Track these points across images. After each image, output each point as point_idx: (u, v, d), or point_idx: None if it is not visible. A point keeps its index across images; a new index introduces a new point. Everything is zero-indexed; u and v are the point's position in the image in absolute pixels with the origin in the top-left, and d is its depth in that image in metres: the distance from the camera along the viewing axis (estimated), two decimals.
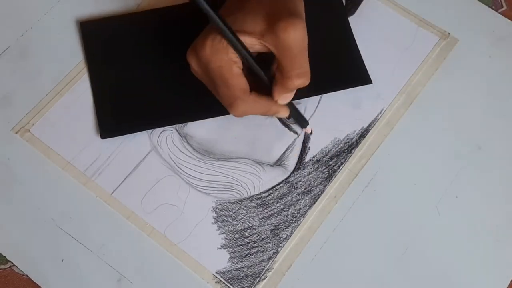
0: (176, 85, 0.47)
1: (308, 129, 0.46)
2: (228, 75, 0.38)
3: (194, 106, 0.46)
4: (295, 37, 0.36)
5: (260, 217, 0.44)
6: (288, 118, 0.45)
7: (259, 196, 0.45)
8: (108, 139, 0.46)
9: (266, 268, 0.43)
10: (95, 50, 0.49)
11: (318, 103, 0.47)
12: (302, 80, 0.38)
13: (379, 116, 0.47)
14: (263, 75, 0.40)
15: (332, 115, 0.47)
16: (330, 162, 0.45)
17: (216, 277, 0.43)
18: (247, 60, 0.38)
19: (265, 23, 0.37)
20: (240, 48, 0.37)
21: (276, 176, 0.45)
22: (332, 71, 0.47)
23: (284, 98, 0.40)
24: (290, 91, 0.40)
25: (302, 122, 0.45)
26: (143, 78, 0.47)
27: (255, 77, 0.40)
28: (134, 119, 0.46)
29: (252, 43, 0.38)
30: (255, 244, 0.43)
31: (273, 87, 0.40)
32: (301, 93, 0.42)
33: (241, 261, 0.43)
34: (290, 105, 0.43)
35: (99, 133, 0.46)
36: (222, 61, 0.38)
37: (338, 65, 0.48)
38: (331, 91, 0.47)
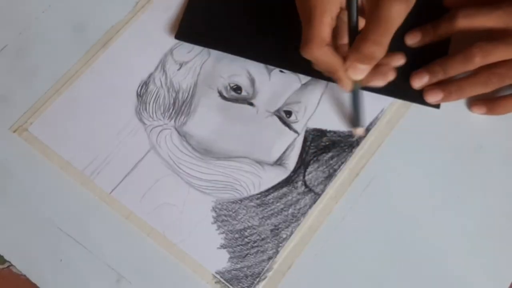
0: (267, 24, 0.48)
1: (360, 130, 0.45)
2: (318, 18, 0.39)
3: (277, 50, 0.47)
4: (393, 12, 0.38)
5: (260, 216, 0.44)
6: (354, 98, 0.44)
7: (259, 195, 0.44)
8: (107, 136, 0.46)
9: (266, 268, 0.43)
10: None
11: (318, 103, 0.47)
12: (377, 48, 0.39)
13: (380, 115, 0.47)
14: (354, 24, 0.40)
15: (333, 114, 0.47)
16: (331, 162, 0.45)
17: (216, 277, 0.42)
18: (351, 11, 0.39)
19: None
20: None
21: (276, 175, 0.45)
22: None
23: (355, 68, 0.40)
24: (362, 58, 0.40)
25: (356, 120, 0.45)
26: (242, 5, 0.49)
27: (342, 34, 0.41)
28: (215, 36, 0.48)
29: None
30: (255, 244, 0.43)
31: (348, 52, 0.40)
32: (376, 89, 0.44)
33: (241, 261, 0.43)
34: (357, 95, 0.43)
35: (167, 44, 0.48)
36: (320, 1, 0.39)
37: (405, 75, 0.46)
38: (402, 99, 0.46)
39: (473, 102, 0.46)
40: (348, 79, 0.42)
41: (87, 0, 0.51)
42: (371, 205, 0.44)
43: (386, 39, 0.39)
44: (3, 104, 0.48)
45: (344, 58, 0.40)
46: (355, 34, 0.40)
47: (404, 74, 0.45)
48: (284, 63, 0.47)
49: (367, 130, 0.46)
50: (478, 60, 0.43)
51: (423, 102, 0.46)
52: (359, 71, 0.40)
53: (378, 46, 0.39)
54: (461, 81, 0.45)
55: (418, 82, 0.45)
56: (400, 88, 0.46)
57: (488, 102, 0.46)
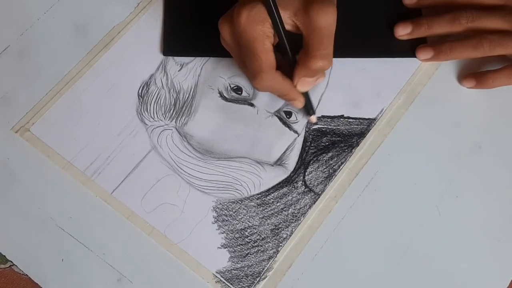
0: None
1: (313, 118, 0.46)
2: (260, 48, 0.39)
3: None
4: (326, 20, 0.39)
5: (260, 216, 0.44)
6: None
7: (260, 195, 0.45)
8: (108, 137, 0.46)
9: (266, 268, 0.43)
10: None
11: (319, 103, 0.47)
12: (325, 62, 0.40)
13: (380, 115, 0.47)
14: (290, 54, 0.41)
15: (332, 114, 0.47)
16: (331, 162, 0.45)
17: (216, 276, 0.43)
18: (280, 35, 0.40)
19: (300, 3, 0.39)
20: (277, 22, 0.39)
21: (276, 175, 0.45)
22: (380, 38, 0.48)
23: (303, 83, 0.42)
24: (311, 73, 0.41)
25: (309, 109, 0.46)
26: (217, 10, 0.47)
27: (282, 58, 0.42)
28: (199, 44, 0.49)
29: (285, 20, 0.40)
30: (255, 244, 0.43)
31: (296, 68, 0.41)
32: (348, 52, 0.47)
33: (241, 261, 0.43)
34: (305, 93, 0.44)
35: (161, 50, 0.49)
36: (257, 32, 0.39)
37: (388, 33, 0.48)
38: (373, 57, 0.48)
39: (464, 75, 0.47)
40: (301, 97, 0.43)
41: (89, 1, 0.51)
42: (370, 205, 0.44)
43: (331, 48, 0.40)
44: (5, 104, 0.48)
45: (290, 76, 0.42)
46: (285, 50, 0.42)
47: (382, 33, 0.48)
48: None
49: (367, 130, 0.46)
50: (465, 22, 0.44)
51: (400, 55, 0.48)
52: (308, 84, 0.42)
53: (326, 59, 0.40)
54: (453, 42, 0.46)
55: (402, 30, 0.47)
56: (379, 47, 0.48)
57: (477, 75, 0.47)
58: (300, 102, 0.44)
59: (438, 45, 0.47)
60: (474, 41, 0.45)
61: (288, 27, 0.41)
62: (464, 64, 0.48)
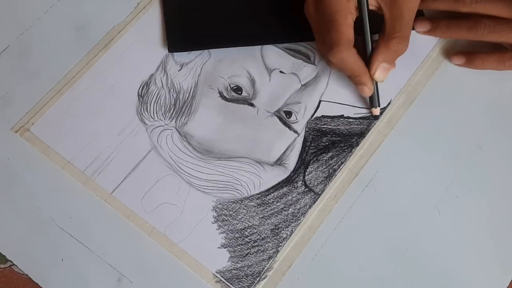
0: (246, 9, 0.49)
1: (377, 110, 0.46)
2: (341, 21, 0.41)
3: (262, 30, 0.49)
4: (411, 5, 0.41)
5: (260, 216, 0.44)
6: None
7: (259, 195, 0.45)
8: (108, 137, 0.46)
9: (266, 268, 0.43)
10: None
11: (319, 104, 0.47)
12: (403, 44, 0.42)
13: (379, 115, 0.47)
14: (368, 33, 0.44)
15: (332, 114, 0.47)
16: (331, 162, 0.45)
17: (216, 276, 0.43)
18: (363, 12, 0.42)
19: None
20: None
21: (276, 175, 0.45)
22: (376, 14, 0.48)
23: (382, 69, 0.43)
24: (390, 56, 0.43)
25: (375, 100, 0.46)
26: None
27: (357, 39, 0.43)
28: (202, 36, 0.49)
29: (370, 1, 0.42)
30: (255, 244, 0.43)
31: (374, 53, 0.43)
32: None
33: (241, 261, 0.43)
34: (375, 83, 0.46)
35: (166, 46, 0.49)
36: (341, 5, 0.41)
37: None
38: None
39: (454, 53, 0.48)
40: (371, 83, 0.44)
41: (89, 1, 0.51)
42: (370, 204, 0.44)
43: (409, 32, 0.42)
44: (5, 104, 0.48)
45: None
46: (366, 34, 0.44)
47: None
48: (275, 38, 0.48)
49: (367, 130, 0.46)
50: (469, 1, 0.45)
51: None
52: (386, 72, 0.44)
53: (405, 41, 0.42)
54: (451, 20, 0.47)
55: None
56: (375, 23, 0.47)
57: (468, 54, 0.48)
58: (369, 90, 0.45)
59: (436, 20, 0.47)
60: (470, 23, 0.46)
61: (371, 7, 0.42)
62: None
